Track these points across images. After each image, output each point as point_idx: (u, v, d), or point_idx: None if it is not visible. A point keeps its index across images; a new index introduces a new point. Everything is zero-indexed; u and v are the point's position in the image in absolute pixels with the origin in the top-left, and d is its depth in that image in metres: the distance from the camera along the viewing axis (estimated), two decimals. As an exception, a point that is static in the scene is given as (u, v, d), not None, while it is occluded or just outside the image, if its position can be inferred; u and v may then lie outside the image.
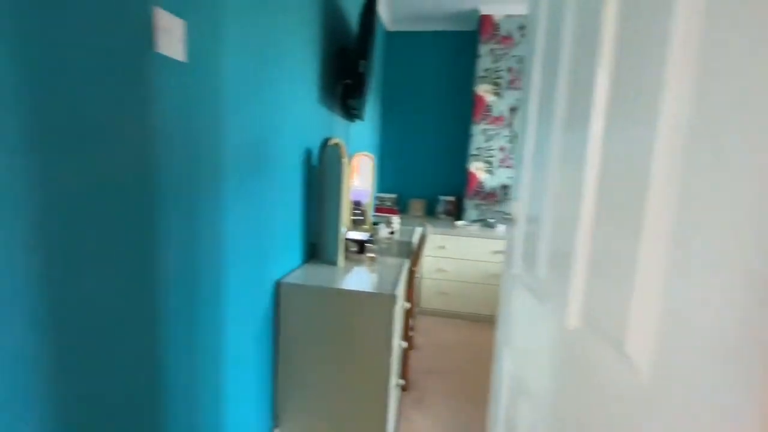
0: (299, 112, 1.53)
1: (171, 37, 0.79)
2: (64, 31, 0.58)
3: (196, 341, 0.97)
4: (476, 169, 3.05)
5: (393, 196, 3.44)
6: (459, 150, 3.30)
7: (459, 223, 2.95)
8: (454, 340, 2.59)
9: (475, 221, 3.07)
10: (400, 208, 3.45)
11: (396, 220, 2.51)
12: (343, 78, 1.97)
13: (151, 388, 0.83)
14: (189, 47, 0.85)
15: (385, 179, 3.50)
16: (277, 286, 1.44)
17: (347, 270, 1.64)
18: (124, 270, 0.73)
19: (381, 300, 1.36)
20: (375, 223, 2.37)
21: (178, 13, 0.81)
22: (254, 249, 1.24)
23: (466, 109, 3.23)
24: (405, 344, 1.69)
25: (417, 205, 3.40)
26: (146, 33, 0.74)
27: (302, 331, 1.45)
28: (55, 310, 0.60)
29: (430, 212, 3.41)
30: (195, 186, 0.91)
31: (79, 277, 0.64)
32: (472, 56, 3.13)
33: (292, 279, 1.47)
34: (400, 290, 1.41)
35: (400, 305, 1.40)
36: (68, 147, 0.60)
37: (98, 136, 0.65)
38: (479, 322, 2.88)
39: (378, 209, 3.12)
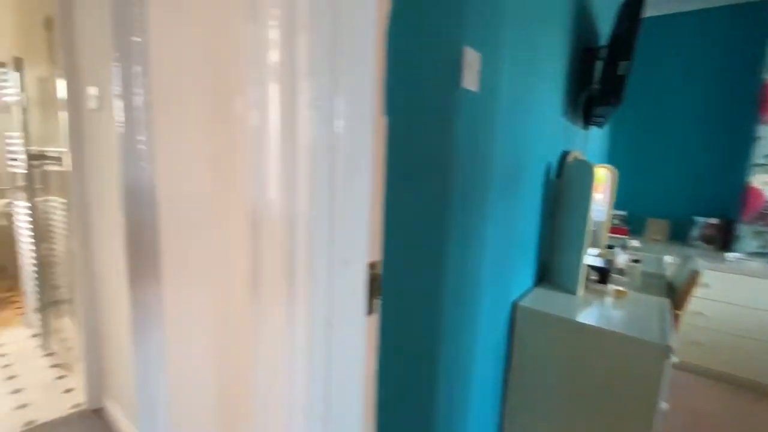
0: (545, 126, 1.44)
1: (471, 71, 0.83)
2: (409, 88, 0.68)
3: (458, 348, 1.01)
4: (763, 183, 2.24)
5: (622, 213, 2.91)
6: (730, 158, 2.51)
7: (731, 255, 2.23)
8: (715, 409, 1.96)
9: (756, 254, 2.26)
10: (632, 228, 2.89)
11: (636, 244, 2.10)
12: (587, 82, 1.76)
13: (430, 384, 0.90)
14: (481, 78, 0.89)
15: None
16: (514, 307, 1.39)
17: (588, 302, 1.45)
18: (429, 269, 0.81)
19: (647, 349, 1.13)
20: (609, 246, 2.04)
21: (476, 47, 0.85)
22: (502, 265, 1.23)
23: (744, 104, 2.43)
24: (666, 405, 1.36)
25: (656, 227, 2.77)
26: (456, 71, 0.80)
27: (537, 360, 1.35)
28: (397, 301, 0.71)
29: (677, 236, 2.72)
30: (469, 204, 0.95)
31: (406, 273, 0.74)
32: (760, 34, 2.32)
33: (528, 302, 1.39)
34: (673, 340, 1.13)
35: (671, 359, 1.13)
36: (409, 171, 0.70)
37: (425, 162, 0.74)
38: (750, 390, 2.10)
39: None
